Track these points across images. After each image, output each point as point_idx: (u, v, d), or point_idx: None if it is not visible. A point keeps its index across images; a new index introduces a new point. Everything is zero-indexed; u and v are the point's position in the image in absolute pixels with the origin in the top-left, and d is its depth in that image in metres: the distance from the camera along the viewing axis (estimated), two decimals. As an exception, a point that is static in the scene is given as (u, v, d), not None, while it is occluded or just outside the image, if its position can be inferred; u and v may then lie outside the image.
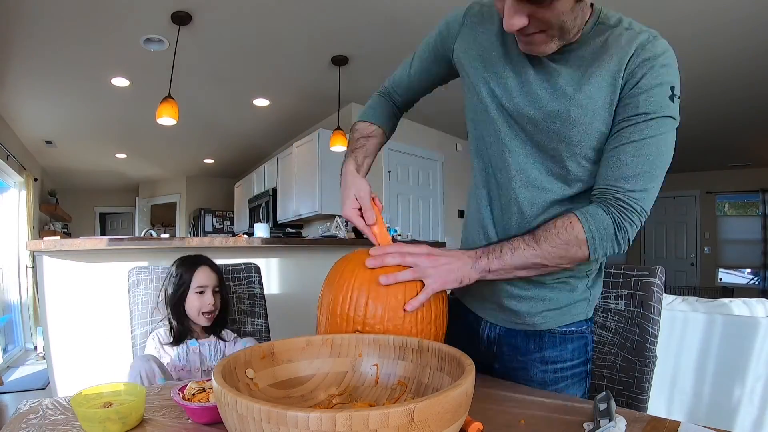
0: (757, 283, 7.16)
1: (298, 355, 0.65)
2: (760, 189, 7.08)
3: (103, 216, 9.06)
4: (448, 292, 0.88)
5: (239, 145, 6.18)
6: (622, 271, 1.05)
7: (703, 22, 3.00)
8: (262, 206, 5.74)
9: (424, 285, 0.74)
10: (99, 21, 2.88)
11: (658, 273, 1.00)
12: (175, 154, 6.61)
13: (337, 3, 2.83)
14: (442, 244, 3.88)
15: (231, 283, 1.59)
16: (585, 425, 0.59)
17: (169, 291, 1.37)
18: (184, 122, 3.83)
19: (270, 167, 5.75)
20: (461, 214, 5.60)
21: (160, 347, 1.31)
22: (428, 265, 0.74)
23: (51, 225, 6.46)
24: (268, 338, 1.58)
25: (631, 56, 0.69)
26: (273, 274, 2.58)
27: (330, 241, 2.88)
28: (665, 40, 0.71)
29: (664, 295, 1.36)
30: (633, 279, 1.03)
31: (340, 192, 0.89)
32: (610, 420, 0.56)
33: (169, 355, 1.30)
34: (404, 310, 0.71)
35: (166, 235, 3.87)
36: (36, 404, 0.70)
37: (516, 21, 0.64)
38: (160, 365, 1.16)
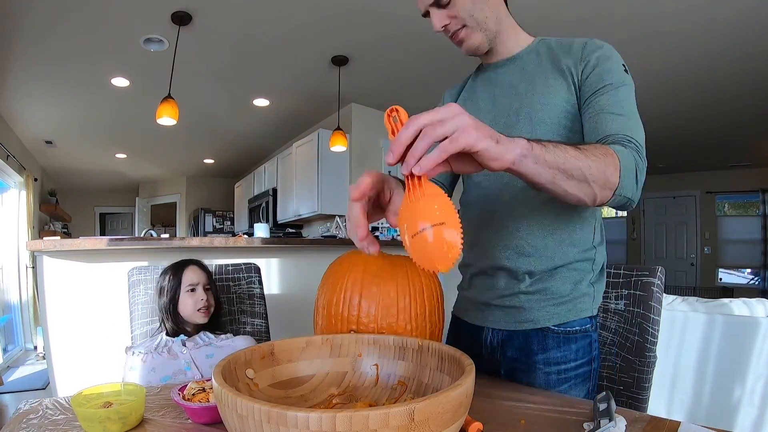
0: (757, 283, 7.17)
1: (298, 355, 0.64)
2: (760, 189, 7.09)
3: (103, 216, 9.07)
4: (446, 289, 0.86)
5: (239, 145, 6.18)
6: (622, 271, 1.05)
7: (703, 21, 3.01)
8: (262, 206, 5.74)
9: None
10: (99, 21, 2.88)
11: (658, 273, 1.01)
12: (175, 154, 6.61)
13: (337, 3, 2.83)
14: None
15: (231, 283, 1.59)
16: (585, 425, 0.59)
17: (162, 296, 1.37)
18: (184, 122, 3.84)
19: (270, 167, 5.75)
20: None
21: (141, 362, 1.21)
22: (455, 123, 0.53)
23: (51, 225, 6.46)
24: (268, 338, 1.58)
25: (581, 50, 0.82)
26: (273, 274, 2.58)
27: (330, 241, 2.88)
28: None
29: (664, 295, 1.36)
30: (633, 279, 1.03)
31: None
32: (610, 420, 0.56)
33: (155, 359, 1.23)
34: (411, 173, 0.54)
35: (166, 235, 3.87)
36: (36, 404, 0.70)
37: (436, 21, 0.84)
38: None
